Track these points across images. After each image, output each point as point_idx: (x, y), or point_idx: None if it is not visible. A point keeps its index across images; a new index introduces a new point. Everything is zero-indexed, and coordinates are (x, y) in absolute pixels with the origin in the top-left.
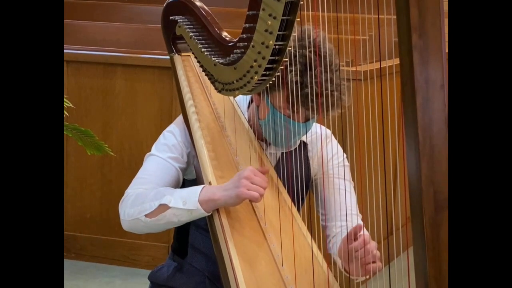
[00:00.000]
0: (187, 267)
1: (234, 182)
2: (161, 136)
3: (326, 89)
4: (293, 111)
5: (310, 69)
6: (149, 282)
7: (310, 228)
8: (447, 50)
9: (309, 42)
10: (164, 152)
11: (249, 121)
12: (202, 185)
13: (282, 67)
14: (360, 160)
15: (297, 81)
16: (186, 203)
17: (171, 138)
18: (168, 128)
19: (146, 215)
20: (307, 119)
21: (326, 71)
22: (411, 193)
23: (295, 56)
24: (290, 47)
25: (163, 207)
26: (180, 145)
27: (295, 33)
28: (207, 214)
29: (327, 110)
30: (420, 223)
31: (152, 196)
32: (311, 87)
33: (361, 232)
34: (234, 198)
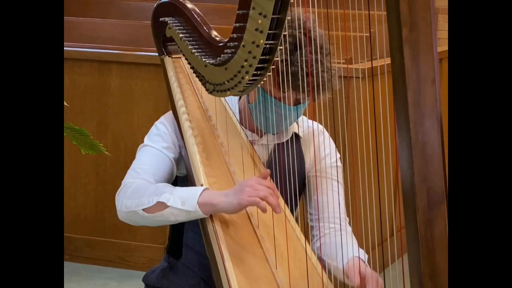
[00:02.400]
0: (182, 268)
1: (236, 189)
2: (153, 127)
3: (316, 69)
4: (282, 92)
5: (299, 49)
6: (143, 284)
7: (304, 230)
8: (447, 48)
9: (299, 25)
10: (158, 143)
11: (240, 113)
12: (203, 187)
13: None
14: (353, 163)
15: (285, 59)
16: (185, 204)
17: (163, 128)
18: (159, 120)
19: (144, 209)
20: (297, 103)
21: (315, 52)
22: (404, 190)
23: (283, 37)
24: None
25: (162, 205)
26: (171, 135)
27: (289, 17)
28: (204, 216)
29: (317, 93)
30: (413, 220)
31: (151, 191)
32: (300, 67)
33: (363, 270)
34: (235, 205)
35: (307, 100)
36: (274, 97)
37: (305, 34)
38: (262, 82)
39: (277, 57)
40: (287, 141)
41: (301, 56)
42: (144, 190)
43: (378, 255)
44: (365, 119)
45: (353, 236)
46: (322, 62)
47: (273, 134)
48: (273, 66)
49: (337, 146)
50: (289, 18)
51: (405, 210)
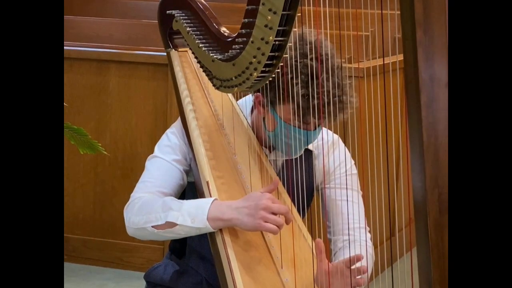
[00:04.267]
0: (185, 267)
1: (249, 207)
2: (164, 136)
3: (334, 96)
4: (303, 122)
5: (315, 78)
6: (143, 284)
7: (311, 230)
8: None
9: (310, 49)
10: (168, 154)
11: (252, 127)
12: (210, 200)
13: (281, 70)
14: (362, 159)
15: (304, 94)
16: (195, 221)
17: (174, 139)
18: (170, 129)
19: (153, 226)
20: (317, 125)
21: (331, 76)
22: (415, 195)
23: (296, 67)
24: (292, 56)
25: (171, 224)
26: (182, 147)
27: (290, 43)
28: (214, 231)
29: (336, 116)
30: (424, 225)
31: (158, 207)
32: (319, 97)
33: (358, 264)
34: (249, 228)
35: (325, 120)
36: (294, 126)
37: (317, 59)
38: (282, 114)
39: (284, 73)
40: (296, 157)
41: (318, 87)
42: (151, 206)
43: (386, 249)
44: (375, 119)
45: (369, 244)
46: (339, 85)
47: (295, 156)
48: (279, 75)
49: (345, 142)
50: (297, 39)
51: (415, 214)
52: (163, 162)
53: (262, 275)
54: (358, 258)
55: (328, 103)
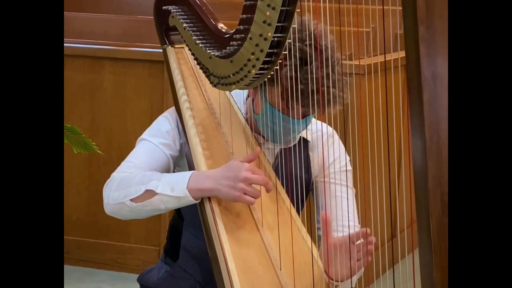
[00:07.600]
0: (179, 270)
1: (229, 180)
2: (155, 121)
3: (323, 85)
4: (288, 108)
5: (306, 64)
6: (138, 286)
7: (310, 231)
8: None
9: (307, 35)
10: (156, 138)
11: (246, 115)
12: (191, 171)
13: (280, 61)
14: (363, 158)
15: (292, 76)
16: (174, 190)
17: (165, 124)
18: (163, 114)
19: (131, 200)
20: (304, 115)
21: (323, 66)
22: (417, 194)
23: (290, 49)
24: (288, 39)
25: (150, 193)
26: (173, 132)
27: (294, 25)
28: (195, 202)
29: (324, 107)
30: (426, 226)
31: (138, 180)
32: (307, 83)
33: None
34: (227, 198)
35: (315, 112)
36: (281, 112)
37: (311, 45)
38: (269, 96)
39: (285, 70)
40: (294, 145)
41: (309, 73)
42: (131, 180)
43: (388, 251)
44: (376, 116)
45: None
46: (329, 76)
47: (280, 144)
48: (274, 67)
49: (344, 145)
50: (295, 26)
51: (417, 215)
52: (150, 145)
53: (261, 277)
54: (364, 234)
55: (317, 92)
